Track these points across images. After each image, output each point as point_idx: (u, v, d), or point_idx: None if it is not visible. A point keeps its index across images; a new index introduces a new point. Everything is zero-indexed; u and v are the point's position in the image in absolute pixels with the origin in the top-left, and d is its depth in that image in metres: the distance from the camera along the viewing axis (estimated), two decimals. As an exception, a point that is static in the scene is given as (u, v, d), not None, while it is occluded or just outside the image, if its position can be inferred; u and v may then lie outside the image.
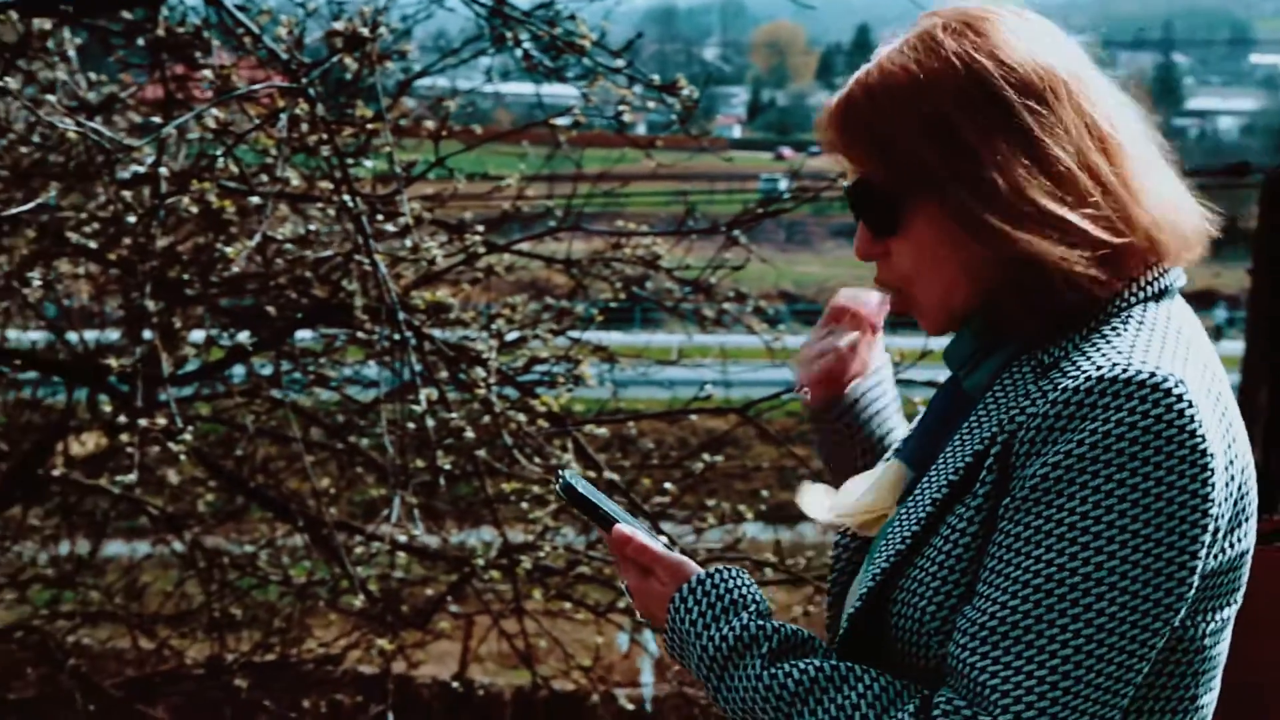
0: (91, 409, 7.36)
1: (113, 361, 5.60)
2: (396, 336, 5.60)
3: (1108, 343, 1.86)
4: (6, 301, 6.86)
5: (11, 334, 7.45)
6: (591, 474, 6.38)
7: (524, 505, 6.46)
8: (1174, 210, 1.94)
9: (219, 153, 5.57)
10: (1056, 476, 1.78)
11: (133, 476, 5.28)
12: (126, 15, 6.34)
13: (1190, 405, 1.78)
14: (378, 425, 6.72)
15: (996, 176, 1.86)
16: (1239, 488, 1.87)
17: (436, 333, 6.15)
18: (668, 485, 7.02)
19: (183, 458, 5.45)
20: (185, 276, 6.14)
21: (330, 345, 7.22)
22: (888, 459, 2.14)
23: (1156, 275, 1.94)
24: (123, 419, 5.42)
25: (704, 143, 7.02)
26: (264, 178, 5.91)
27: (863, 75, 1.98)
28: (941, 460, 1.94)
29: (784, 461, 10.65)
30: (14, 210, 5.61)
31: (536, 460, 6.21)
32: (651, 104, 6.35)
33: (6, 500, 7.42)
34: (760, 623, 1.92)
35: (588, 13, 7.03)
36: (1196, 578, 1.80)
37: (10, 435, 7.56)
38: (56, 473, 7.20)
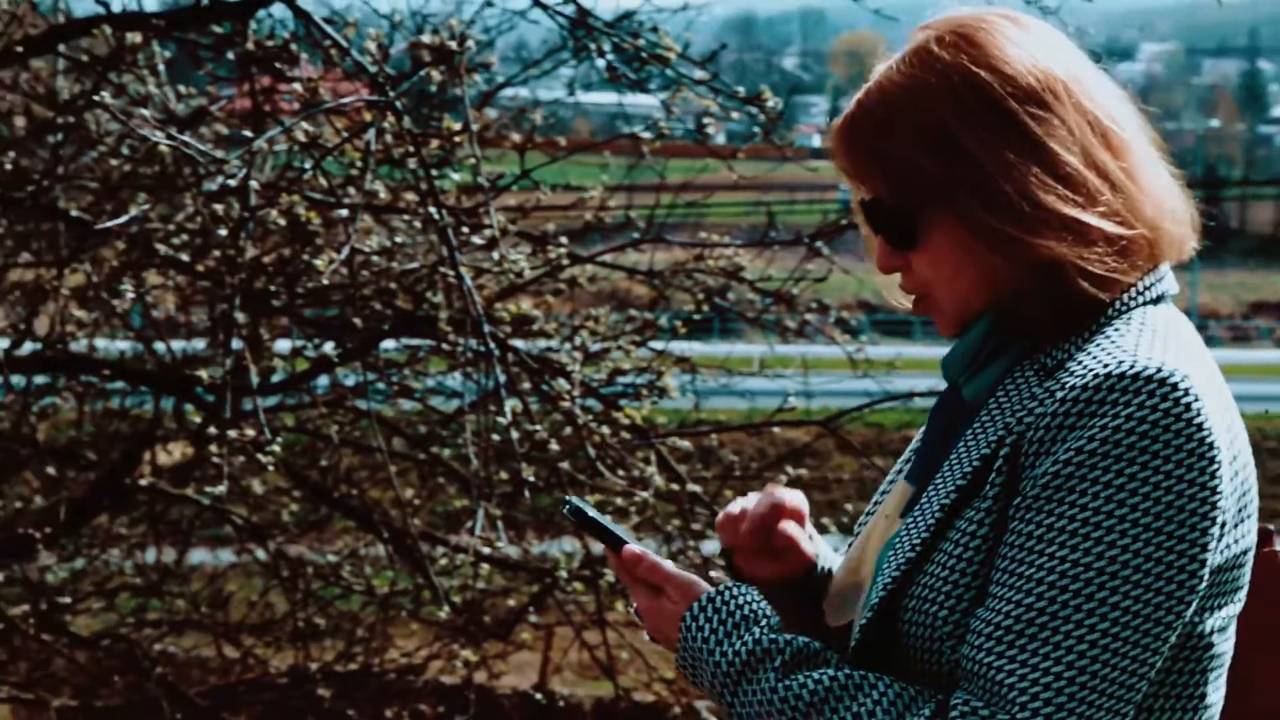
0: (178, 419, 7.43)
1: (203, 372, 5.65)
2: (481, 348, 5.62)
3: (1112, 343, 1.87)
4: (96, 312, 6.93)
5: (100, 343, 7.52)
6: (674, 486, 6.37)
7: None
8: (1174, 204, 1.97)
9: (307, 165, 5.61)
10: (1068, 474, 1.79)
11: (222, 487, 5.33)
12: (216, 29, 6.40)
13: (1197, 400, 1.79)
14: (460, 436, 6.74)
15: (1005, 184, 1.88)
16: (1242, 483, 1.88)
17: (520, 344, 6.16)
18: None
19: (270, 468, 5.49)
20: (272, 288, 6.18)
21: (414, 356, 7.25)
22: (886, 488, 2.15)
23: (1154, 280, 1.96)
24: (212, 430, 5.46)
25: (786, 153, 6.99)
26: (350, 190, 5.95)
27: (862, 95, 1.99)
28: (947, 468, 1.94)
29: (864, 473, 10.60)
30: (109, 223, 5.67)
31: (619, 472, 6.22)
32: (734, 114, 6.34)
33: (94, 509, 7.50)
34: (773, 636, 1.91)
35: (668, 23, 7.02)
36: (1207, 571, 1.80)
37: (98, 444, 7.64)
38: (144, 482, 7.27)
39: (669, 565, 2.02)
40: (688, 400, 7.87)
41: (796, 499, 2.16)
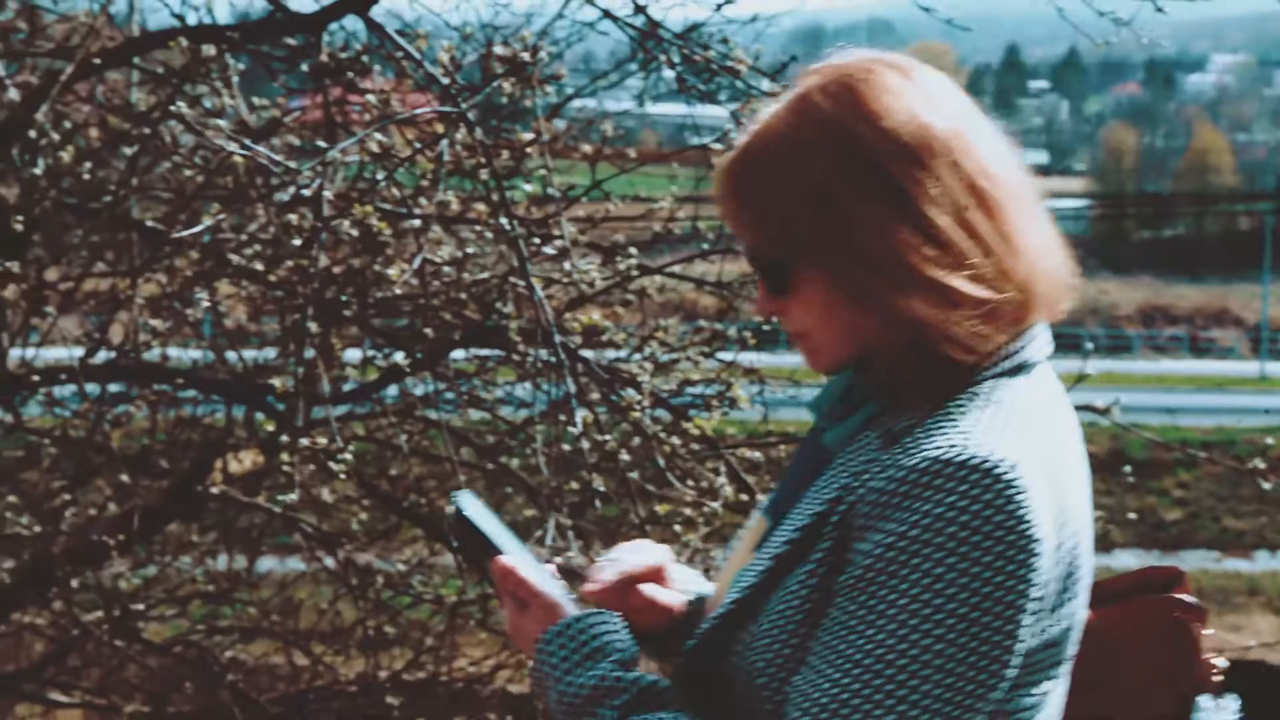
0: (249, 427, 7.48)
1: (277, 381, 5.68)
2: (551, 358, 5.63)
3: (951, 420, 1.87)
4: (169, 321, 6.99)
5: (173, 352, 7.58)
6: (743, 496, 6.36)
7: (676, 528, 6.47)
8: (1047, 261, 1.97)
9: (380, 176, 5.64)
10: (890, 557, 1.81)
11: (294, 495, 5.36)
12: (289, 41, 6.45)
13: (1020, 491, 1.81)
14: (528, 446, 6.76)
15: (876, 245, 1.88)
16: (1069, 565, 1.90)
17: (589, 354, 6.17)
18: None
19: (342, 477, 5.52)
20: (343, 298, 6.22)
21: (483, 366, 7.27)
22: (755, 516, 2.17)
23: (1019, 346, 1.96)
24: (284, 438, 5.50)
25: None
26: (422, 200, 5.98)
27: (745, 140, 1.99)
28: (791, 515, 1.97)
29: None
30: (183, 233, 5.72)
31: (689, 482, 6.21)
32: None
33: (166, 516, 7.56)
34: (619, 674, 1.93)
35: (737, 35, 7.02)
36: (1018, 658, 1.83)
37: (170, 453, 7.70)
38: (215, 490, 7.31)
39: (538, 581, 2.04)
40: (755, 411, 7.86)
41: (648, 559, 2.17)
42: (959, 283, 1.88)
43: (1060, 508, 1.88)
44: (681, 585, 2.24)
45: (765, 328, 7.22)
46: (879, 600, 1.81)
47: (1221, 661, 2.20)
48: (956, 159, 1.92)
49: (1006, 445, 1.84)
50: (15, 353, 7.06)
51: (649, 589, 2.17)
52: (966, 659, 1.79)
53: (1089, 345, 6.95)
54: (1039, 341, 2.00)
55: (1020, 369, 1.96)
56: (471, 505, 2.08)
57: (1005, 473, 1.81)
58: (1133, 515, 9.86)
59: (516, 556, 2.06)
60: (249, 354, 7.46)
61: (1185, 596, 2.16)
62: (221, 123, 5.70)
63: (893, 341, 1.91)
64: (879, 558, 1.81)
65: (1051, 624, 1.89)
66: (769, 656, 1.88)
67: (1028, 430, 1.88)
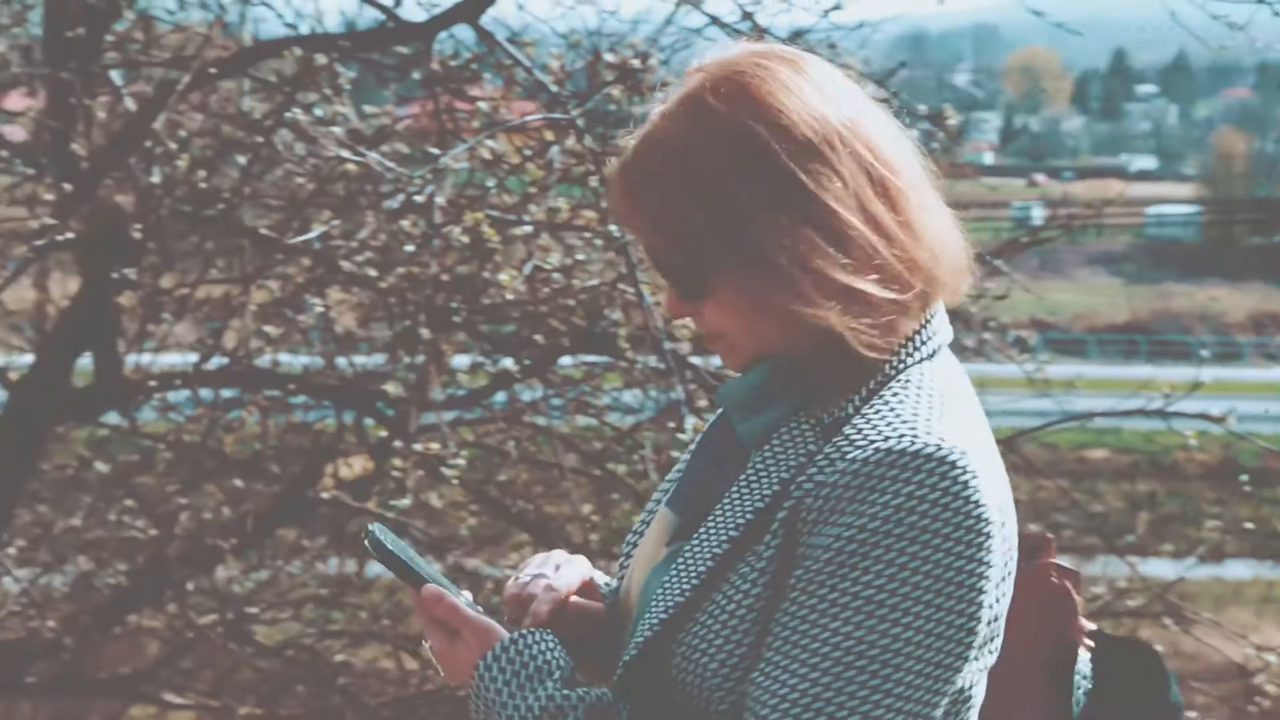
0: (358, 433, 7.54)
1: (389, 387, 5.73)
2: (660, 365, 5.64)
3: (890, 409, 1.86)
4: (281, 327, 7.06)
5: (283, 358, 7.66)
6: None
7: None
8: (948, 242, 1.94)
9: (490, 183, 5.68)
10: (850, 550, 1.80)
11: (407, 501, 5.39)
12: (400, 49, 6.51)
13: (973, 476, 1.82)
14: (636, 452, 6.77)
15: (778, 250, 1.84)
16: (1009, 541, 1.91)
17: (697, 361, 6.18)
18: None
19: (454, 482, 5.55)
20: (453, 304, 6.26)
21: (591, 372, 7.29)
22: (652, 508, 2.12)
23: (930, 333, 1.94)
24: (398, 443, 5.54)
25: (968, 171, 6.93)
26: (532, 207, 6.01)
27: (636, 144, 1.93)
28: (720, 513, 1.93)
29: (1039, 494, 10.46)
30: (297, 239, 5.78)
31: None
32: (913, 132, 6.30)
33: (278, 521, 7.64)
34: (565, 692, 1.89)
35: (842, 40, 7.01)
36: (980, 638, 1.84)
37: (282, 458, 7.78)
38: (325, 495, 7.38)
39: (467, 607, 1.98)
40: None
41: (576, 575, 2.12)
42: (868, 286, 1.86)
43: (999, 489, 1.89)
44: (605, 590, 2.20)
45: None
46: (842, 593, 1.80)
47: (1090, 625, 2.26)
48: (856, 150, 1.87)
49: (951, 432, 1.84)
50: (131, 359, 7.16)
51: (580, 603, 2.12)
52: (934, 644, 1.80)
53: (1203, 353, 6.86)
54: (944, 324, 1.99)
55: (933, 354, 1.96)
56: (389, 537, 2.01)
57: (957, 460, 1.81)
58: (1249, 525, 9.71)
59: (439, 585, 1.99)
60: (358, 360, 7.53)
61: (1061, 561, 2.23)
62: (337, 130, 5.76)
63: (803, 343, 1.89)
64: (839, 550, 1.80)
65: (998, 599, 1.90)
66: (721, 658, 1.86)
67: (959, 415, 1.90)
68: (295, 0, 6.88)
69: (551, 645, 1.94)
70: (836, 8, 6.30)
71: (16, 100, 7.61)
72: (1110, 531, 9.66)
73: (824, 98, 1.89)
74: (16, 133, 7.58)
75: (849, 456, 1.82)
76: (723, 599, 1.88)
